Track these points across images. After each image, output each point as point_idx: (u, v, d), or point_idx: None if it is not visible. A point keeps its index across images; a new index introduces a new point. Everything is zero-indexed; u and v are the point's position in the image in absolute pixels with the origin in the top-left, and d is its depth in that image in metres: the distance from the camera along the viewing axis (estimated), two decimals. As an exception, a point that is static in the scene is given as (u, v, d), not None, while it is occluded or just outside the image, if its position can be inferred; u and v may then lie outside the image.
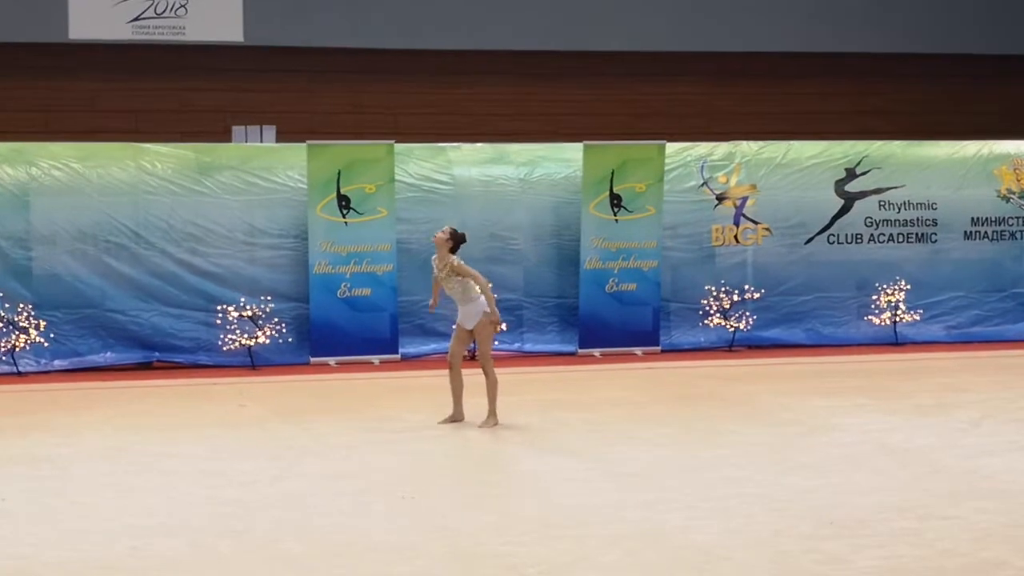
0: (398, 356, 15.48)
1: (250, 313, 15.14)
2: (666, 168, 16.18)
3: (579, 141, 16.35)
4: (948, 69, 23.47)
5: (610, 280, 15.91)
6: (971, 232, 17.00)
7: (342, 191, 15.36)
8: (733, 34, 22.45)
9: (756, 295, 16.26)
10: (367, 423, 12.54)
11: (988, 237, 17.03)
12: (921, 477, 10.67)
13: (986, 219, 17.01)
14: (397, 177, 15.60)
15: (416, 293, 15.62)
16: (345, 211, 15.37)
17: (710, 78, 22.86)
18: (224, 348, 15.19)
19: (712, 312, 16.17)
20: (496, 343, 15.71)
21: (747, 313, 16.23)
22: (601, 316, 15.88)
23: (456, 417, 12.39)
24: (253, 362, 15.17)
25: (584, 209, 15.85)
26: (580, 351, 15.84)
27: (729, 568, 8.61)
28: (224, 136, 20.41)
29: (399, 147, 15.84)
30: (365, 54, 21.42)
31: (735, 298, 16.20)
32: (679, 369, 15.17)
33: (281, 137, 20.35)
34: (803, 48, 22.81)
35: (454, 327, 12.45)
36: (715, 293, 16.18)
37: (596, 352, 15.80)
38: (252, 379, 14.73)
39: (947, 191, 16.96)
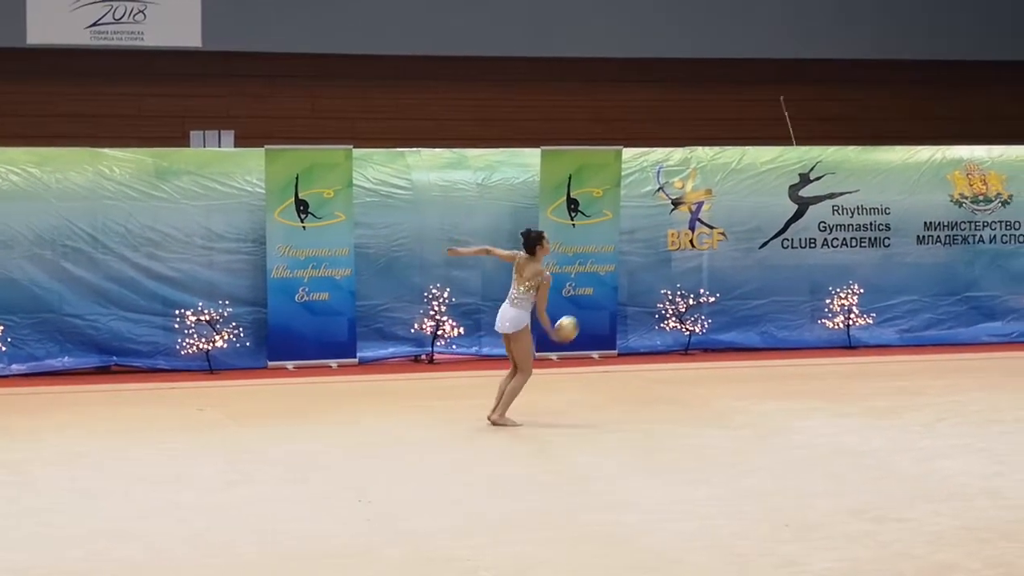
0: (356, 360, 15.50)
1: (208, 317, 15.14)
2: (623, 173, 16.26)
3: (537, 146, 16.42)
4: (900, 75, 23.67)
5: (567, 284, 15.97)
6: (924, 236, 17.14)
7: (300, 196, 15.37)
8: (690, 40, 22.58)
9: (711, 299, 16.36)
10: (325, 427, 12.56)
11: (941, 241, 17.17)
12: (876, 480, 10.77)
13: (939, 224, 17.15)
14: (355, 182, 15.62)
15: (374, 297, 15.64)
16: (303, 216, 15.38)
17: (667, 84, 22.98)
18: (182, 352, 15.18)
19: (668, 316, 16.26)
20: (454, 347, 15.81)
21: (702, 317, 16.32)
22: (558, 320, 15.90)
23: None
24: (211, 366, 15.17)
25: (542, 214, 15.91)
26: (537, 355, 15.90)
27: (685, 571, 8.68)
28: (182, 141, 20.38)
29: (357, 152, 15.86)
30: (324, 59, 21.44)
31: (691, 302, 16.29)
32: (636, 372, 15.25)
33: (239, 142, 20.34)
34: (759, 54, 22.96)
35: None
36: (671, 297, 16.27)
37: (553, 356, 15.86)
38: (210, 383, 14.73)
39: (900, 196, 17.09)
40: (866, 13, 23.18)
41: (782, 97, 18.24)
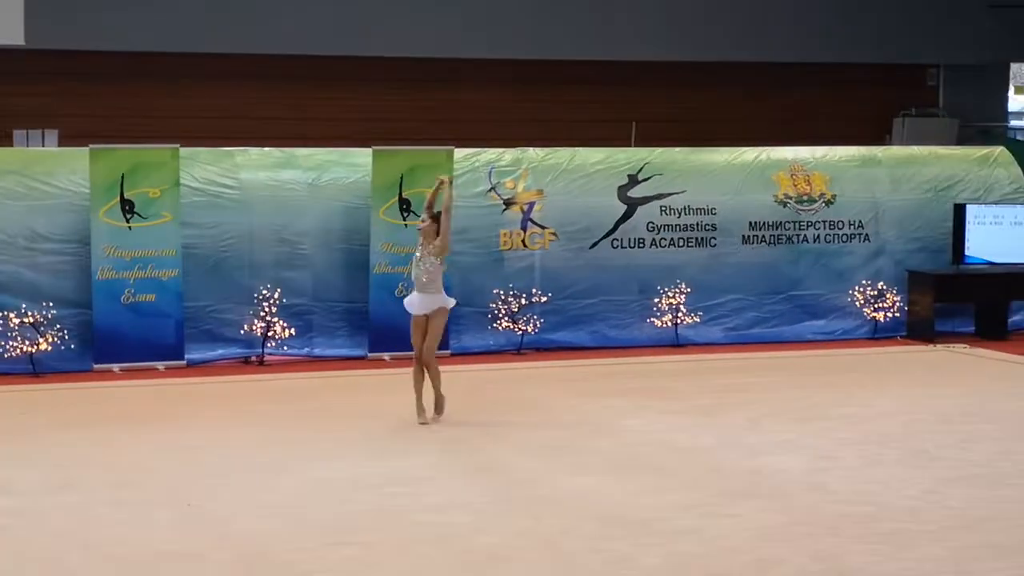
0: (184, 362, 15.31)
1: (31, 320, 14.83)
2: (455, 173, 16.27)
3: (369, 146, 16.35)
4: (726, 77, 24.03)
5: (400, 284, 15.92)
6: (749, 236, 17.39)
7: (126, 195, 15.13)
8: (523, 41, 22.68)
9: (543, 299, 16.44)
10: (152, 430, 12.37)
11: (766, 241, 17.45)
12: (703, 476, 10.93)
13: (764, 223, 17.42)
14: (182, 181, 15.42)
15: (202, 298, 15.44)
16: (129, 216, 15.15)
17: (500, 84, 23.06)
18: (5, 356, 14.85)
19: (500, 316, 16.30)
20: (285, 348, 15.68)
21: (535, 316, 16.39)
22: (391, 320, 15.86)
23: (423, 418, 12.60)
24: (35, 369, 14.86)
25: (374, 214, 15.85)
26: (370, 355, 15.85)
27: (515, 569, 8.73)
28: (6, 140, 19.94)
29: (184, 151, 15.65)
30: (151, 57, 21.14)
31: (523, 302, 16.35)
32: (468, 372, 15.26)
33: (64, 141, 19.94)
34: (586, 56, 23.14)
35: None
36: (503, 297, 16.32)
37: (386, 356, 15.81)
38: (34, 387, 14.42)
39: (726, 196, 17.33)
40: (683, 15, 23.48)
41: (634, 123, 18.48)
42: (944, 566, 8.82)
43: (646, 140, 19.36)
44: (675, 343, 16.76)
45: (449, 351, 15.94)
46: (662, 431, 12.44)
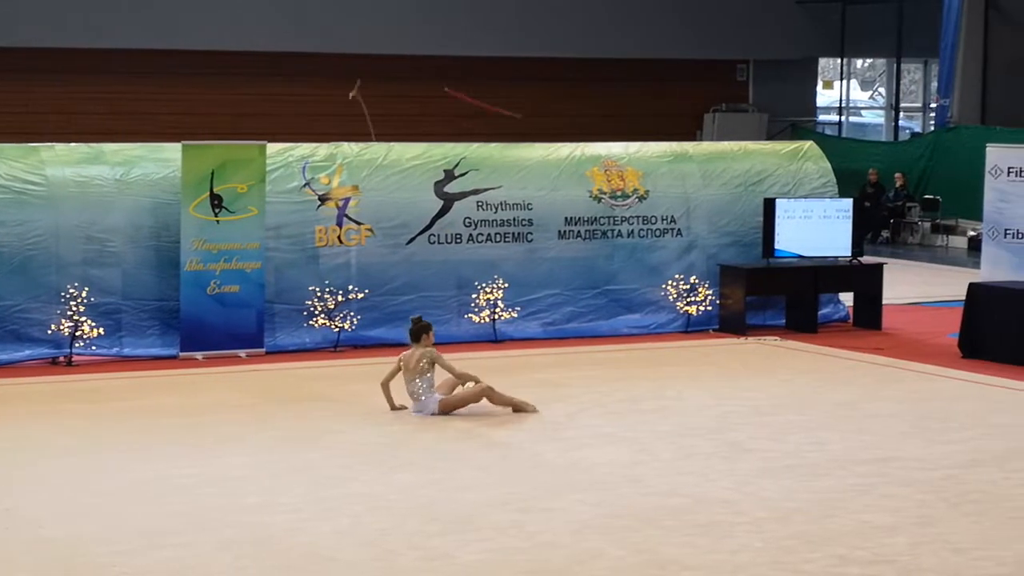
0: (-11, 363, 14.91)
1: None
2: (268, 169, 16.07)
3: (179, 141, 16.07)
4: (545, 73, 24.19)
5: (212, 282, 15.67)
6: (565, 231, 17.46)
7: (-73, 192, 14.68)
8: (336, 36, 22.57)
9: (360, 295, 16.32)
10: (-43, 435, 12.02)
11: (581, 236, 17.54)
12: (522, 471, 10.95)
13: (579, 219, 17.50)
14: (-14, 178, 15.01)
15: (7, 297, 15.02)
16: (-70, 213, 14.71)
17: (312, 79, 22.91)
18: None
19: (317, 313, 16.14)
20: (94, 348, 15.32)
21: (352, 313, 16.26)
22: (203, 318, 15.62)
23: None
24: None
25: (184, 210, 15.57)
26: (182, 354, 15.57)
27: (335, 569, 8.65)
28: None
29: (-12, 146, 15.24)
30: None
31: (339, 298, 16.22)
32: (284, 371, 15.10)
33: None
34: (401, 51, 23.12)
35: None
36: (319, 294, 16.16)
37: (198, 355, 15.55)
38: None
39: (542, 192, 17.38)
40: (497, 9, 23.60)
41: (358, 83, 18.43)
42: (759, 557, 8.94)
43: (466, 136, 19.34)
44: (493, 339, 16.78)
45: (263, 349, 15.75)
46: (480, 426, 12.43)
